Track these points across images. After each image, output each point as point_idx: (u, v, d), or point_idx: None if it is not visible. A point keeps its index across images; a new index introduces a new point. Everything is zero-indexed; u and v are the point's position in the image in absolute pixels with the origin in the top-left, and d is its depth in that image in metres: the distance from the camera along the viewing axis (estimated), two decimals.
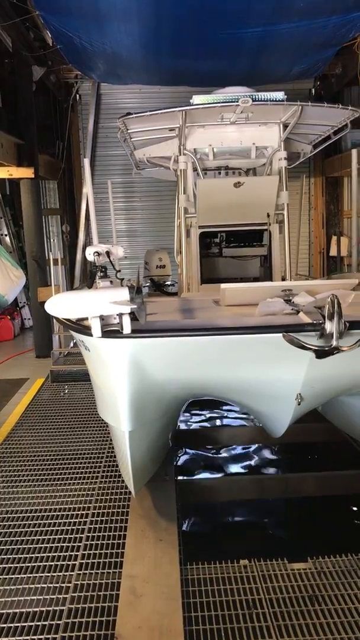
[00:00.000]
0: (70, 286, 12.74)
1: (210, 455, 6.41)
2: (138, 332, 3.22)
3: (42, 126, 11.48)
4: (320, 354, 3.19)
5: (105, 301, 3.09)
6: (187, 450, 6.47)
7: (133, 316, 3.20)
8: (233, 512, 5.37)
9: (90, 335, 3.21)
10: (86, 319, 3.26)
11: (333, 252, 13.82)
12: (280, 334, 3.23)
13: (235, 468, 6.10)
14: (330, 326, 3.09)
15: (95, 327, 3.16)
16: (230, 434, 6.71)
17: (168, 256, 10.95)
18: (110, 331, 3.21)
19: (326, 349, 3.15)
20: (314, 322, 3.20)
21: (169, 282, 10.95)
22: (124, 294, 3.10)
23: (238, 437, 6.60)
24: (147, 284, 10.74)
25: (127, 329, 3.16)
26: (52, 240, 13.71)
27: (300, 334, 3.23)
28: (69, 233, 13.36)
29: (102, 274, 3.66)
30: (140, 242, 13.91)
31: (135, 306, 3.11)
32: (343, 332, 3.11)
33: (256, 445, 6.47)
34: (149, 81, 11.66)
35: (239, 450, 6.45)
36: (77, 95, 13.45)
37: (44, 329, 10.03)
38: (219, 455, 6.40)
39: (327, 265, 14.13)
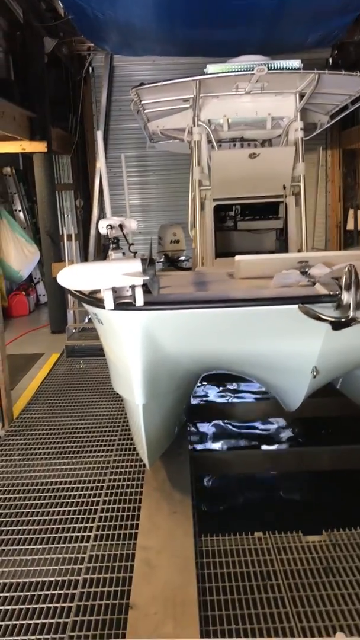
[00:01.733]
0: (85, 261, 12.71)
1: (225, 429, 6.42)
2: (151, 304, 3.18)
3: (55, 99, 11.33)
4: (337, 325, 3.14)
5: (117, 273, 3.05)
6: (202, 424, 6.47)
7: (146, 288, 3.16)
8: (247, 485, 5.38)
9: (103, 307, 3.18)
10: (99, 291, 3.23)
11: (350, 225, 13.62)
12: (296, 306, 3.17)
13: (250, 442, 6.09)
14: (347, 297, 3.03)
15: (108, 299, 3.13)
16: (245, 408, 6.69)
17: (182, 231, 10.87)
18: (123, 303, 3.17)
19: (343, 320, 3.09)
20: (331, 293, 3.13)
21: (183, 257, 10.88)
22: (136, 265, 3.06)
23: (253, 412, 6.58)
24: (161, 259, 10.68)
25: (139, 301, 3.13)
26: (66, 215, 13.65)
27: (316, 305, 3.18)
28: (82, 208, 13.29)
29: (114, 245, 3.62)
30: (154, 217, 13.80)
31: (147, 278, 3.06)
32: None
33: (271, 419, 6.45)
34: (162, 52, 11.43)
35: (254, 424, 6.44)
36: (90, 68, 13.25)
37: (59, 304, 10.04)
38: (234, 430, 6.40)
39: (344, 239, 13.93)
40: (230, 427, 6.44)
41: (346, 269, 3.02)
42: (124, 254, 3.54)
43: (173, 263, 10.59)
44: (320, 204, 13.28)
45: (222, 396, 7.35)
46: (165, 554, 3.67)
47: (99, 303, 3.25)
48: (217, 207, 7.39)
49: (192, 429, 6.27)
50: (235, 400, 7.20)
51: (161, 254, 10.84)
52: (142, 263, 3.09)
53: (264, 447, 5.94)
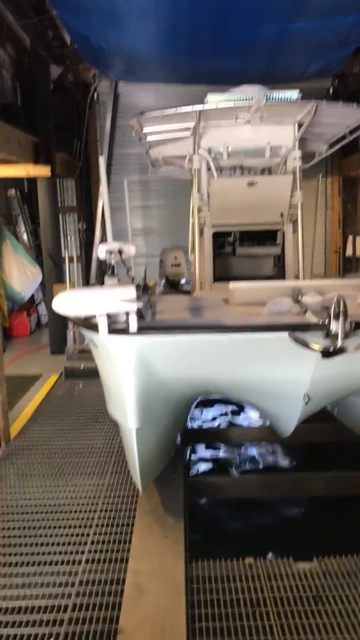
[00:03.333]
0: (86, 283, 12.84)
1: (220, 453, 6.42)
2: (144, 330, 3.24)
3: (60, 125, 11.54)
4: (327, 354, 3.20)
5: (111, 299, 3.12)
6: (197, 448, 6.48)
7: (140, 314, 3.23)
8: (240, 510, 5.38)
9: (97, 332, 3.24)
10: (95, 316, 3.30)
11: (349, 252, 13.73)
12: (286, 333, 3.23)
13: (244, 466, 6.10)
14: (335, 326, 3.09)
15: (102, 324, 3.20)
16: (240, 432, 6.71)
17: (183, 254, 10.98)
18: (117, 329, 3.24)
19: (331, 349, 3.15)
20: (320, 321, 3.20)
21: (183, 281, 10.97)
22: (130, 292, 3.13)
23: (248, 436, 6.60)
24: (162, 282, 10.78)
25: (133, 327, 3.19)
26: (69, 237, 13.80)
27: (306, 334, 3.24)
28: (85, 231, 13.45)
29: (110, 272, 3.70)
30: (156, 241, 13.94)
31: (141, 304, 3.13)
32: (349, 332, 3.10)
33: (265, 444, 6.46)
34: (166, 79, 11.68)
35: (248, 448, 6.45)
36: (95, 94, 13.50)
37: (59, 325, 10.11)
38: (228, 454, 6.41)
39: (342, 265, 14.04)
40: (225, 451, 6.45)
41: (335, 299, 3.08)
42: (119, 280, 3.61)
43: (174, 286, 10.67)
44: (319, 230, 13.42)
45: (218, 420, 7.37)
46: (155, 579, 3.68)
47: (93, 328, 3.31)
48: (216, 233, 7.49)
49: (187, 452, 6.28)
50: (231, 424, 7.22)
51: (162, 277, 10.94)
52: (137, 290, 3.16)
53: (258, 472, 5.93)
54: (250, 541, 4.75)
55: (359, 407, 5.20)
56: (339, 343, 3.11)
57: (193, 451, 6.43)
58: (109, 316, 3.24)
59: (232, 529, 5.05)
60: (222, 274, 7.77)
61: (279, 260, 7.73)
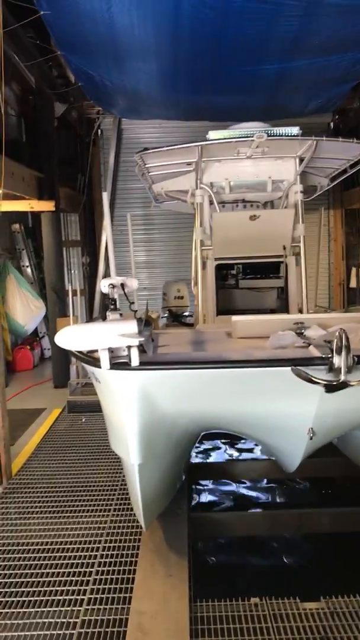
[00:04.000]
0: (90, 317, 12.87)
1: (225, 489, 6.33)
2: (146, 364, 3.23)
3: (64, 160, 11.74)
4: (330, 388, 3.17)
5: (113, 334, 3.12)
6: (201, 483, 6.39)
7: (142, 348, 3.22)
8: (246, 547, 5.28)
9: (99, 367, 3.23)
10: (97, 350, 3.29)
11: (353, 283, 13.76)
12: (289, 368, 3.22)
13: (249, 503, 6.00)
14: (338, 360, 3.07)
15: (104, 359, 3.19)
16: (245, 467, 6.62)
17: (186, 287, 11.03)
18: (119, 363, 3.23)
19: (334, 383, 3.12)
20: (323, 355, 3.18)
21: (187, 313, 10.99)
22: (132, 326, 3.13)
23: (253, 471, 6.51)
24: (165, 315, 10.80)
25: (135, 361, 3.18)
26: (72, 271, 13.90)
27: (309, 368, 3.22)
28: (89, 264, 13.55)
29: (112, 306, 3.70)
30: (159, 274, 14.04)
31: (143, 339, 3.13)
32: (352, 366, 3.08)
33: (271, 479, 6.37)
34: (168, 116, 11.90)
35: (254, 484, 6.36)
36: (99, 130, 13.77)
37: (62, 359, 10.09)
38: (234, 489, 6.32)
39: (347, 297, 14.06)
40: (230, 486, 6.36)
41: (337, 333, 3.07)
42: (121, 314, 3.61)
43: (177, 319, 10.69)
44: (323, 262, 13.50)
45: (223, 455, 7.29)
46: (158, 619, 3.59)
47: (95, 362, 3.31)
48: (219, 265, 7.53)
49: (192, 488, 6.19)
50: (236, 459, 7.13)
51: (165, 310, 10.97)
52: (138, 324, 3.17)
53: (264, 508, 5.84)
54: (257, 580, 4.64)
55: None
56: (342, 377, 3.09)
57: (198, 487, 6.33)
58: (111, 350, 3.24)
59: (238, 567, 4.95)
60: (225, 307, 7.78)
61: (282, 293, 7.75)
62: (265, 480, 6.42)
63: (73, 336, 3.23)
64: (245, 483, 6.41)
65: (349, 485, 6.09)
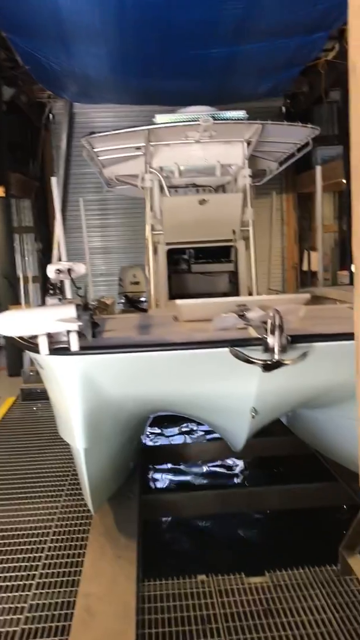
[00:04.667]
0: (43, 303, 12.73)
1: (178, 470, 6.41)
2: (86, 349, 3.24)
3: (15, 145, 11.54)
4: (266, 367, 3.25)
5: (51, 319, 3.11)
6: (154, 466, 6.46)
7: (82, 333, 3.23)
8: (196, 526, 5.37)
9: (39, 352, 3.23)
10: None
11: (306, 267, 13.98)
12: (227, 349, 3.27)
13: (200, 483, 6.10)
14: (272, 340, 3.14)
15: (43, 344, 3.19)
16: (196, 449, 6.72)
17: (142, 272, 11.02)
18: (59, 349, 3.23)
19: (270, 362, 3.20)
20: (259, 336, 3.24)
21: (143, 299, 10.99)
22: (70, 311, 3.13)
23: (205, 453, 6.61)
24: (122, 300, 10.79)
25: (74, 346, 3.19)
26: (26, 258, 13.72)
27: (247, 349, 3.28)
28: (42, 250, 13.39)
29: (52, 291, 3.69)
30: (115, 259, 13.98)
31: (81, 323, 3.13)
32: (286, 345, 3.16)
33: (222, 459, 6.48)
34: (119, 100, 11.80)
35: (205, 465, 6.46)
36: (50, 115, 13.56)
37: (15, 347, 9.97)
38: (186, 470, 6.40)
39: (300, 280, 14.28)
40: (182, 468, 6.44)
41: (271, 314, 3.14)
42: (60, 299, 3.61)
43: (133, 304, 10.68)
44: (276, 246, 13.64)
45: (176, 437, 7.37)
46: (106, 601, 3.63)
47: (35, 348, 3.30)
48: (171, 250, 7.55)
49: (143, 471, 6.25)
50: (188, 440, 7.22)
51: (121, 295, 10.96)
52: (77, 308, 3.17)
53: (214, 488, 5.94)
54: (205, 558, 4.73)
55: (310, 420, 5.28)
56: (277, 357, 3.16)
57: (150, 469, 6.39)
58: (51, 336, 3.23)
59: (187, 546, 5.03)
60: (178, 291, 7.81)
61: (234, 277, 7.82)
62: (217, 461, 6.51)
63: (11, 322, 3.20)
64: (197, 464, 6.50)
65: (298, 463, 6.24)
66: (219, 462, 6.57)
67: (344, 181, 10.42)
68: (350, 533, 3.73)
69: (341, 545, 3.83)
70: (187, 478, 6.30)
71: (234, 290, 7.75)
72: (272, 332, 3.12)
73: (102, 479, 4.34)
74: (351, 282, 9.91)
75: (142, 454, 5.96)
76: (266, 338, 3.17)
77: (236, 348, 3.24)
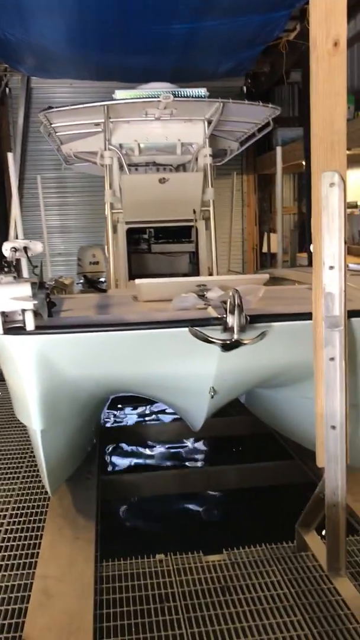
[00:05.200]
0: None
1: (136, 451, 6.41)
2: (42, 328, 3.17)
3: None
4: (225, 347, 3.24)
5: (5, 297, 3.02)
6: (112, 447, 6.44)
7: (37, 312, 3.15)
8: (155, 507, 5.39)
9: None
10: None
11: (266, 248, 14.07)
12: (187, 328, 3.25)
13: (160, 463, 6.11)
14: (231, 320, 3.14)
15: None
16: (156, 430, 6.72)
17: (101, 252, 10.90)
18: (13, 328, 3.14)
19: (229, 342, 3.19)
20: (218, 316, 3.23)
21: (103, 279, 10.88)
22: (25, 289, 3.05)
23: (164, 433, 6.62)
24: (81, 281, 10.65)
25: (30, 325, 3.11)
26: None
27: (206, 328, 3.26)
28: None
29: (7, 269, 3.59)
30: (74, 238, 13.78)
31: (37, 302, 3.05)
32: (245, 325, 3.16)
33: (182, 440, 6.51)
34: (78, 75, 11.52)
35: (164, 445, 6.47)
36: (7, 89, 13.16)
37: None
38: (145, 451, 6.41)
39: (260, 261, 14.36)
40: (141, 449, 6.44)
41: (230, 293, 3.12)
42: (15, 277, 3.51)
43: (92, 284, 10.56)
44: (237, 227, 13.67)
45: (135, 417, 7.36)
46: (64, 582, 3.61)
47: None
48: (131, 229, 7.46)
49: (102, 452, 6.23)
50: (147, 421, 7.22)
51: (80, 276, 10.81)
52: (32, 287, 3.08)
53: (173, 468, 5.97)
54: (164, 537, 4.75)
55: (267, 399, 5.32)
56: (236, 336, 3.16)
57: (108, 450, 6.37)
58: (5, 315, 3.15)
59: (146, 526, 5.04)
60: (138, 272, 7.74)
61: (194, 257, 7.79)
62: (174, 442, 6.53)
63: None
64: (155, 445, 6.51)
65: (256, 442, 6.31)
66: (177, 443, 6.59)
67: (304, 163, 10.47)
68: (306, 510, 3.78)
69: (298, 523, 3.89)
70: (146, 459, 6.30)
71: (195, 271, 7.73)
72: (232, 312, 3.11)
73: (60, 460, 4.29)
74: (310, 264, 10.03)
75: (100, 435, 5.93)
76: (225, 318, 3.16)
77: (195, 328, 3.22)
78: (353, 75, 9.89)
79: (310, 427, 4.73)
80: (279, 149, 7.90)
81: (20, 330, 3.15)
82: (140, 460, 6.25)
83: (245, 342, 3.20)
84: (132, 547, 4.40)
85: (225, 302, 3.26)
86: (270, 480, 5.40)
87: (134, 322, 3.34)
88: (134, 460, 6.24)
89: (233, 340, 3.16)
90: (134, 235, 7.85)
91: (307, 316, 3.30)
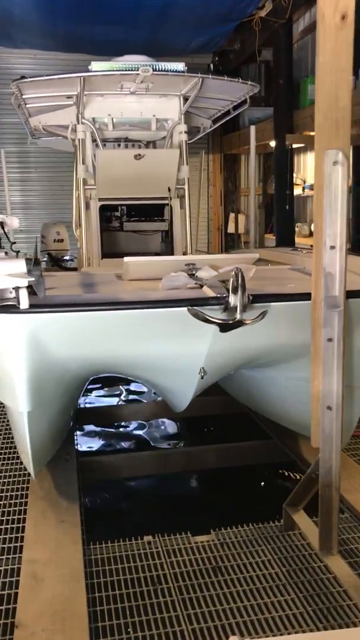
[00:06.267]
0: None
1: (113, 432, 6.34)
2: (37, 307, 3.05)
3: None
4: (225, 327, 3.19)
5: None
6: (89, 428, 6.35)
7: (31, 290, 3.02)
8: (137, 488, 5.35)
9: None
10: None
11: (230, 229, 14.06)
12: (185, 308, 3.18)
13: (138, 444, 6.07)
14: (234, 299, 3.09)
15: None
16: (132, 410, 6.66)
17: (66, 230, 10.67)
18: (6, 306, 3.01)
19: (230, 322, 3.15)
20: (219, 295, 3.18)
21: (67, 257, 10.67)
22: (20, 265, 2.92)
23: (140, 413, 6.56)
24: (45, 259, 10.40)
25: (24, 303, 2.98)
26: None
27: (204, 308, 3.20)
28: None
29: None
30: (36, 215, 13.45)
31: (33, 279, 2.93)
32: (247, 305, 3.11)
33: (158, 420, 6.47)
34: (44, 46, 11.14)
35: (141, 426, 6.42)
36: None
37: None
38: (122, 432, 6.35)
39: (225, 242, 14.35)
40: (118, 429, 6.38)
41: (233, 272, 3.07)
42: (6, 253, 3.36)
43: (57, 263, 10.33)
44: (202, 207, 13.59)
45: (110, 398, 7.27)
46: (52, 566, 3.53)
47: None
48: (102, 207, 7.29)
49: (80, 433, 6.14)
50: (122, 402, 7.15)
51: (44, 254, 10.55)
52: (27, 263, 2.96)
53: (151, 449, 5.93)
54: (149, 519, 4.72)
55: (245, 379, 5.30)
56: (238, 316, 3.11)
57: (85, 431, 6.28)
58: None
59: (130, 507, 5.00)
60: (109, 250, 7.59)
61: (167, 236, 7.69)
62: (150, 422, 6.49)
63: None
64: (131, 425, 6.46)
65: (231, 422, 6.32)
66: (152, 423, 6.55)
67: (272, 144, 10.45)
68: (296, 490, 3.80)
69: (286, 502, 3.91)
70: (122, 439, 6.24)
71: (167, 250, 7.63)
72: (235, 292, 3.06)
73: (44, 442, 4.19)
74: (278, 245, 10.08)
75: (77, 416, 5.84)
76: (227, 297, 3.10)
77: (195, 307, 3.15)
78: None
79: (293, 406, 4.78)
80: (252, 128, 7.85)
81: (12, 308, 3.01)
82: (115, 441, 6.18)
83: (247, 322, 3.16)
84: (117, 529, 4.37)
85: (224, 282, 3.20)
86: (249, 459, 5.42)
87: (131, 301, 3.25)
88: (109, 441, 6.17)
89: (236, 320, 3.11)
90: (105, 213, 7.68)
91: (307, 296, 3.28)
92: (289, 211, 9.83)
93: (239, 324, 3.15)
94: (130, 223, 7.76)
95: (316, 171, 3.08)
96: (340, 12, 2.90)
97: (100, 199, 7.14)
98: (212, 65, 13.43)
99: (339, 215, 3.04)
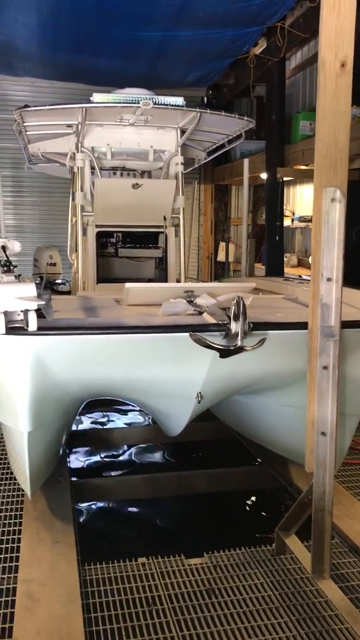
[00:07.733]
0: None
1: (105, 455, 6.38)
2: (44, 329, 3.15)
3: None
4: (225, 353, 3.31)
5: (10, 296, 2.99)
6: (80, 451, 6.38)
7: (39, 313, 3.13)
8: (129, 511, 5.38)
9: None
10: None
11: (220, 257, 14.31)
12: (187, 334, 3.30)
13: (129, 468, 6.11)
14: (235, 326, 3.21)
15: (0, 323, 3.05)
16: (122, 434, 6.71)
17: (59, 254, 10.80)
18: (15, 328, 3.11)
19: (231, 348, 3.26)
20: (220, 322, 3.30)
21: (59, 281, 10.76)
22: (30, 289, 3.02)
23: (131, 437, 6.62)
24: (37, 282, 10.47)
25: (32, 325, 3.08)
26: None
27: (205, 334, 3.32)
28: None
29: (5, 268, 3.54)
30: (29, 239, 13.54)
31: (42, 302, 3.04)
32: (247, 332, 3.24)
33: (149, 444, 6.52)
34: (44, 75, 11.40)
35: (131, 450, 6.47)
36: None
37: None
38: (112, 456, 6.38)
39: (214, 270, 14.57)
40: (109, 453, 6.41)
41: (234, 300, 3.20)
42: (17, 277, 3.47)
43: (50, 286, 10.41)
44: (193, 235, 13.82)
45: (100, 422, 7.31)
46: (48, 586, 3.58)
47: None
48: (99, 233, 7.44)
49: (71, 455, 6.18)
50: (113, 426, 7.19)
51: (36, 277, 10.63)
52: (37, 287, 3.07)
53: (143, 472, 5.97)
54: (143, 541, 4.76)
55: (236, 405, 5.40)
56: (239, 342, 3.23)
57: (78, 454, 6.32)
58: (5, 314, 3.10)
59: (123, 530, 5.03)
60: (104, 275, 7.72)
61: (161, 263, 7.84)
62: (141, 446, 6.54)
63: None
64: (121, 449, 6.50)
65: (222, 447, 6.40)
66: (142, 447, 6.59)
67: (263, 176, 10.72)
68: (289, 514, 3.88)
69: (278, 526, 3.99)
70: (114, 462, 6.27)
71: (161, 277, 7.77)
72: (236, 319, 3.19)
73: (41, 463, 4.25)
74: (267, 274, 10.28)
75: (70, 438, 5.88)
76: (228, 324, 3.23)
77: (196, 333, 3.27)
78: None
79: (285, 433, 4.88)
80: (246, 161, 8.10)
81: (20, 330, 3.11)
82: (108, 464, 6.22)
83: (247, 348, 3.28)
84: (110, 550, 4.40)
85: (225, 309, 3.33)
86: (240, 484, 5.50)
87: (137, 326, 3.36)
88: (103, 464, 6.20)
89: (236, 346, 3.23)
90: (101, 239, 7.82)
91: (304, 326, 3.41)
92: (279, 242, 10.05)
93: (239, 350, 3.27)
94: (125, 249, 7.91)
95: (315, 207, 3.25)
96: (340, 60, 3.10)
97: (97, 225, 7.28)
98: (205, 98, 13.80)
99: (335, 249, 3.20)
